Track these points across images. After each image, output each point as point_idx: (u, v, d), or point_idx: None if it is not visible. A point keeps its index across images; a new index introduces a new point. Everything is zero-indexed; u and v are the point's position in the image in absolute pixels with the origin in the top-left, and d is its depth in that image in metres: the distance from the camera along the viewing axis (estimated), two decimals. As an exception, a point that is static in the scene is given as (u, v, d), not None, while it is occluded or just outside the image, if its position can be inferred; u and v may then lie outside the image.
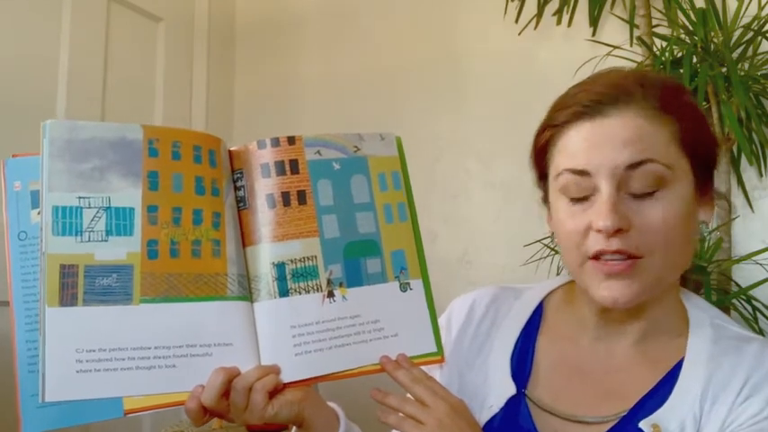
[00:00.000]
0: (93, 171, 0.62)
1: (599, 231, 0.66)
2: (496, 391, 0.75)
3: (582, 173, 0.68)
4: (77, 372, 0.60)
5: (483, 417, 0.74)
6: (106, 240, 0.62)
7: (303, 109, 2.07)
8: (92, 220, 0.62)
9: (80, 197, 0.62)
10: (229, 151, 0.72)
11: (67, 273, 0.60)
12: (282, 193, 0.71)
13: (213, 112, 2.13)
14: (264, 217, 0.70)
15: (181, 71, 2.07)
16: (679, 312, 0.74)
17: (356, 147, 0.76)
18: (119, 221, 0.63)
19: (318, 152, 0.74)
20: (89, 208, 0.62)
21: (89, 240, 0.62)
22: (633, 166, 0.66)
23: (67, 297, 0.60)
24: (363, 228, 0.74)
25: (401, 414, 0.67)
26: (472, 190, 1.75)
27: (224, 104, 2.18)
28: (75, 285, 0.60)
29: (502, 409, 0.74)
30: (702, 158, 0.71)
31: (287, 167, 0.72)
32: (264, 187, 0.71)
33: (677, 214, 0.67)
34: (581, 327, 0.77)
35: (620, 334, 0.74)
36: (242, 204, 0.71)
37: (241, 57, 2.22)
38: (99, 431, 1.65)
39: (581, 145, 0.68)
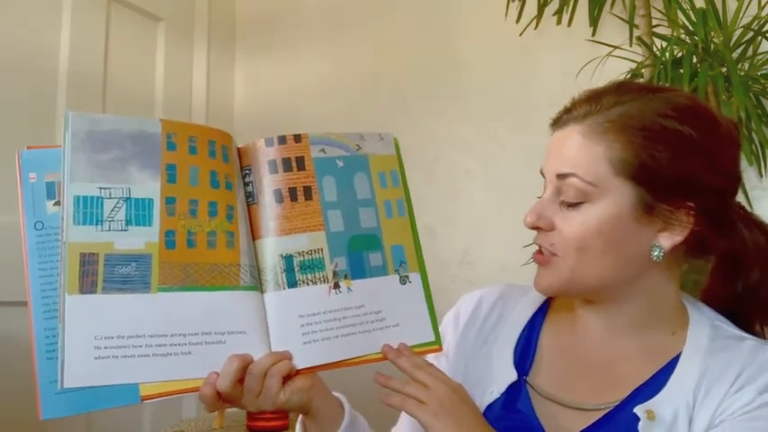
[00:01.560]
0: (114, 162, 0.64)
1: None
2: (499, 377, 0.79)
3: (542, 174, 0.77)
4: (96, 358, 0.61)
5: (484, 401, 0.78)
6: (126, 230, 0.64)
7: (303, 109, 2.06)
8: (112, 209, 0.63)
9: (101, 187, 0.63)
10: (238, 148, 0.75)
11: (87, 261, 0.62)
12: (290, 188, 0.74)
13: (213, 111, 2.13)
14: (273, 211, 0.73)
15: (181, 71, 2.06)
16: (678, 311, 0.78)
17: (358, 145, 0.79)
18: (138, 212, 0.64)
19: (323, 150, 0.77)
20: (110, 198, 0.64)
21: (109, 230, 0.63)
22: (560, 176, 0.73)
23: (87, 285, 0.61)
24: (365, 223, 0.76)
25: (404, 396, 0.70)
26: (472, 190, 1.77)
27: (224, 104, 2.18)
28: (95, 273, 0.62)
29: (503, 394, 0.78)
30: (657, 184, 0.71)
31: (293, 164, 0.75)
32: (272, 183, 0.73)
33: (595, 228, 0.71)
34: (582, 323, 0.81)
35: (614, 325, 0.78)
36: (251, 199, 0.73)
37: (241, 57, 2.21)
38: (100, 430, 1.66)
39: (547, 149, 0.77)
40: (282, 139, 0.75)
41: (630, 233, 0.72)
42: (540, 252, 0.76)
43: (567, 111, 0.76)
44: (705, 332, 0.75)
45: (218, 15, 2.17)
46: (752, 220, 0.80)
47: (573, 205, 0.72)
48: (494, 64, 1.75)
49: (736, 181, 0.77)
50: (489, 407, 0.78)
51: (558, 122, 0.76)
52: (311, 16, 2.08)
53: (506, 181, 1.68)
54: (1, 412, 1.41)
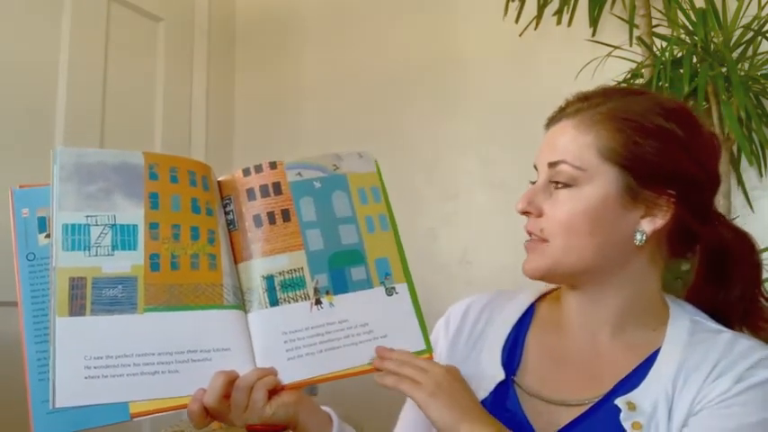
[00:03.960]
0: (100, 192, 0.68)
1: None
2: (487, 377, 0.82)
3: (535, 167, 0.82)
4: (86, 378, 0.64)
5: None
6: (112, 255, 0.68)
7: (303, 109, 2.08)
8: (99, 236, 0.67)
9: (88, 215, 0.68)
10: (218, 181, 0.79)
11: (76, 285, 0.65)
12: (268, 212, 0.78)
13: (213, 111, 2.14)
14: (253, 235, 0.77)
15: (181, 71, 2.08)
16: (659, 308, 0.81)
17: (335, 165, 0.83)
18: (123, 237, 0.68)
19: (299, 173, 0.81)
20: (96, 225, 0.68)
21: (96, 255, 0.67)
22: (551, 164, 0.78)
23: (76, 307, 0.65)
24: (346, 239, 0.80)
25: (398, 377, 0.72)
26: (472, 190, 1.78)
27: (224, 104, 2.19)
28: (84, 296, 0.65)
29: (491, 393, 0.81)
30: (641, 171, 0.75)
31: (270, 190, 0.79)
32: (251, 209, 0.78)
33: (582, 211, 0.76)
34: (567, 319, 0.84)
35: (597, 319, 0.81)
36: (232, 226, 0.77)
37: (241, 57, 2.24)
38: (99, 430, 1.65)
39: (541, 145, 0.82)
40: (259, 168, 0.80)
41: (615, 216, 0.76)
42: (533, 237, 0.79)
43: (561, 109, 0.82)
44: (685, 326, 0.78)
45: (218, 15, 2.20)
46: (731, 227, 0.83)
47: (562, 188, 0.77)
48: (494, 64, 1.77)
49: (716, 179, 0.81)
50: None
51: (552, 120, 0.82)
52: (311, 16, 2.11)
53: (506, 181, 1.70)
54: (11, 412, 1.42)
